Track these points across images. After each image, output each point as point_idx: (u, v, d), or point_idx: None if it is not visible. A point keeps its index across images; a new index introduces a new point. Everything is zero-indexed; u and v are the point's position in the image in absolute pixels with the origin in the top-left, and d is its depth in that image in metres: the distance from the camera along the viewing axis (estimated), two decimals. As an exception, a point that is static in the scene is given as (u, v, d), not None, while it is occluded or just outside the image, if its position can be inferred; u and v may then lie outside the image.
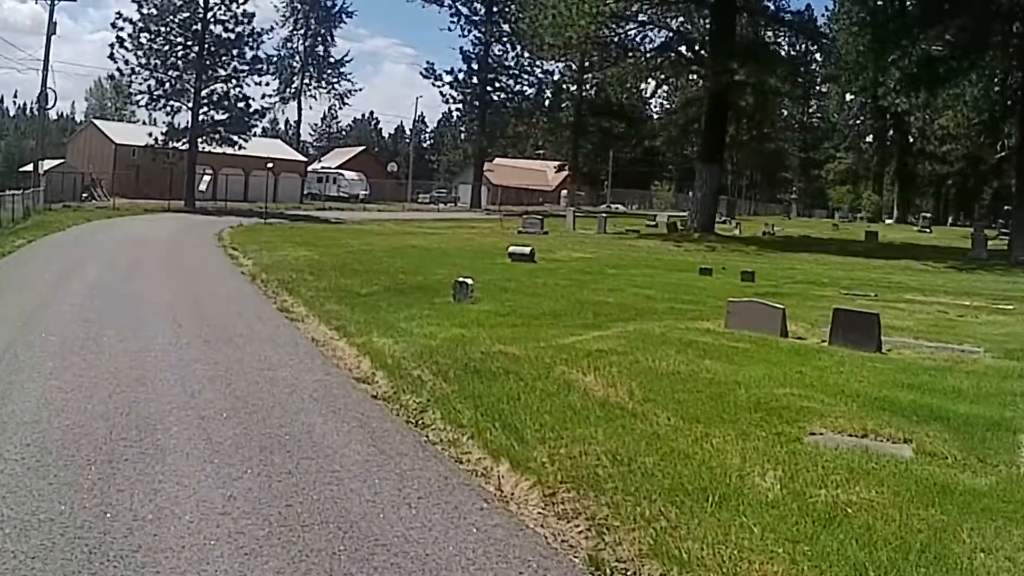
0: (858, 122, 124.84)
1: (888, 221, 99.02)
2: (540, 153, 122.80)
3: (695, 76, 60.35)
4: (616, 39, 57.49)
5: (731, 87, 52.82)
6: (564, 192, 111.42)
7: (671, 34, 57.27)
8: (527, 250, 30.12)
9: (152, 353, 12.55)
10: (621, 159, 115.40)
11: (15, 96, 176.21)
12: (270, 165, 55.64)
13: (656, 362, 11.83)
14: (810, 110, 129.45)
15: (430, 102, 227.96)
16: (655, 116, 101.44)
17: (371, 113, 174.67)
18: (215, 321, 15.80)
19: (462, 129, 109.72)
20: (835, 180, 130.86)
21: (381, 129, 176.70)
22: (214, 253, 30.79)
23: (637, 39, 57.80)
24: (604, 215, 57.20)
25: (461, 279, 19.13)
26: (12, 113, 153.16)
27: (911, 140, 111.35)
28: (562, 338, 13.98)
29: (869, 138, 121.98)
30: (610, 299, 20.41)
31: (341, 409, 10.01)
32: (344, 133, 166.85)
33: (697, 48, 57.05)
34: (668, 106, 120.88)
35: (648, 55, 56.82)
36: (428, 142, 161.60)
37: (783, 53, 59.84)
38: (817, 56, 66.24)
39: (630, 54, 58.19)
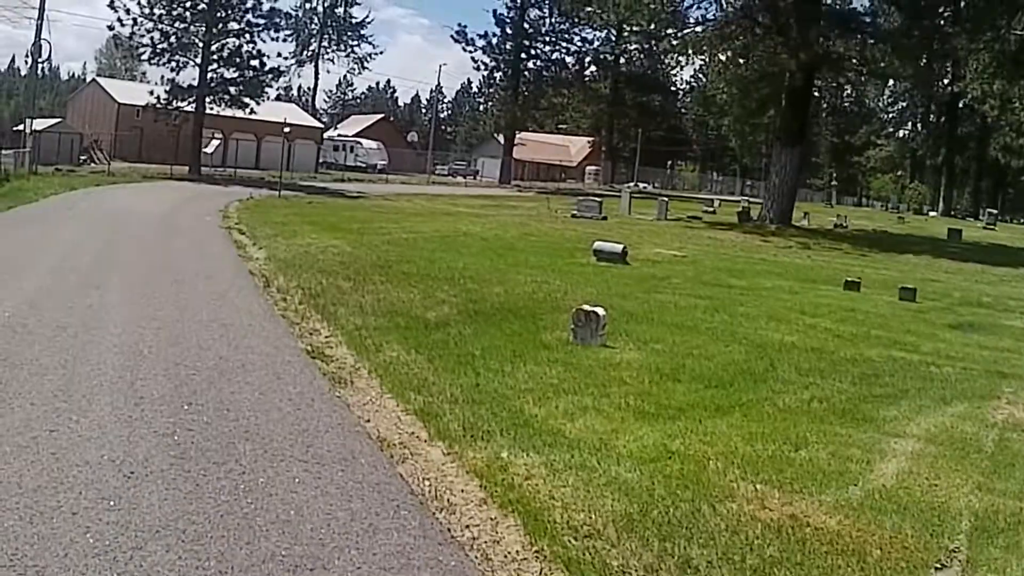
0: (901, 107, 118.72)
1: (932, 214, 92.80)
2: (562, 128, 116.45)
3: (774, 48, 53.12)
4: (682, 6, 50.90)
5: (822, 60, 45.77)
6: (589, 168, 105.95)
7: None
8: (618, 248, 23.58)
9: (72, 509, 5.91)
10: (647, 137, 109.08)
11: (27, 56, 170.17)
12: (287, 130, 48.51)
13: None
14: (844, 92, 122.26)
15: (447, 71, 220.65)
16: (710, 91, 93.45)
17: (388, 81, 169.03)
18: (199, 395, 8.94)
19: (488, 100, 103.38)
20: (876, 168, 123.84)
21: (397, 98, 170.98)
22: (215, 238, 23.77)
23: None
24: (664, 199, 50.35)
25: (588, 308, 12.52)
26: (23, 72, 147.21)
27: (982, 130, 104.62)
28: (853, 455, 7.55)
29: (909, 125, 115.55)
30: (792, 338, 13.95)
31: None
32: (359, 101, 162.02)
33: (780, 17, 49.69)
34: (703, 81, 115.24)
35: (723, 22, 49.41)
36: (444, 113, 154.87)
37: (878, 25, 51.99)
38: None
39: (699, 22, 51.00)
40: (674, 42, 51.78)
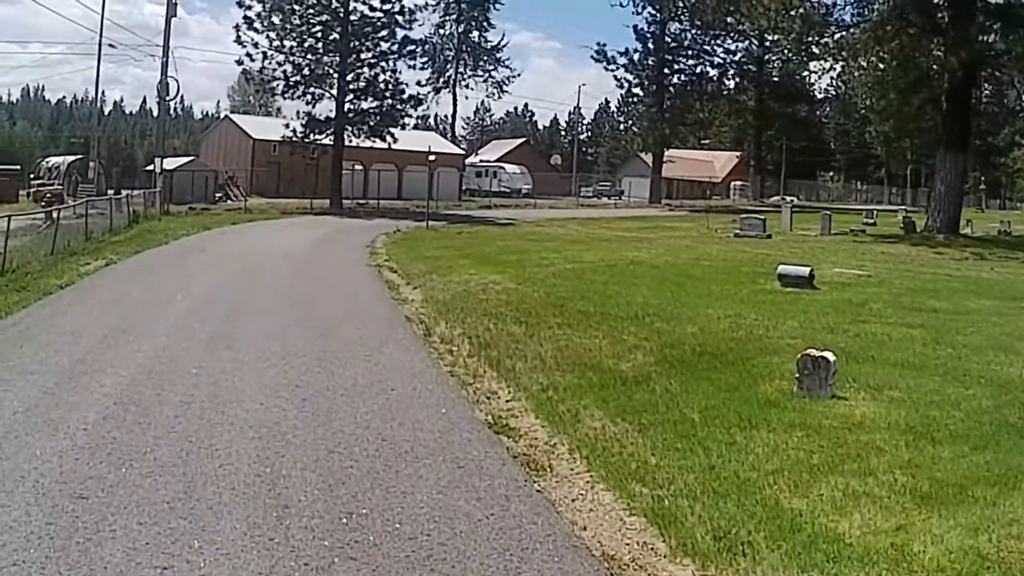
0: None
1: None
2: (704, 143, 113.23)
3: (929, 48, 49.20)
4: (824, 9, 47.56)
5: (983, 58, 42.18)
6: (735, 183, 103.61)
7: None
8: (804, 271, 20.94)
9: None
10: (790, 148, 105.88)
11: (157, 97, 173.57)
12: (432, 158, 46.60)
13: None
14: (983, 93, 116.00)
15: (584, 93, 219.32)
16: (857, 97, 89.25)
17: (525, 105, 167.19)
18: (360, 499, 6.89)
19: (631, 118, 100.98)
20: (1022, 169, 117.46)
21: (536, 122, 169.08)
22: (364, 279, 21.90)
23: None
24: (828, 213, 47.05)
25: (815, 353, 10.07)
26: (155, 113, 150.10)
27: None
28: None
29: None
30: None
31: None
32: (497, 127, 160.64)
33: (935, 14, 46.03)
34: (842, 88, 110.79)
35: (877, 23, 45.81)
36: (584, 134, 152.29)
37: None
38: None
39: (850, 25, 47.52)
40: (826, 45, 48.23)
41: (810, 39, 48.59)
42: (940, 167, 44.49)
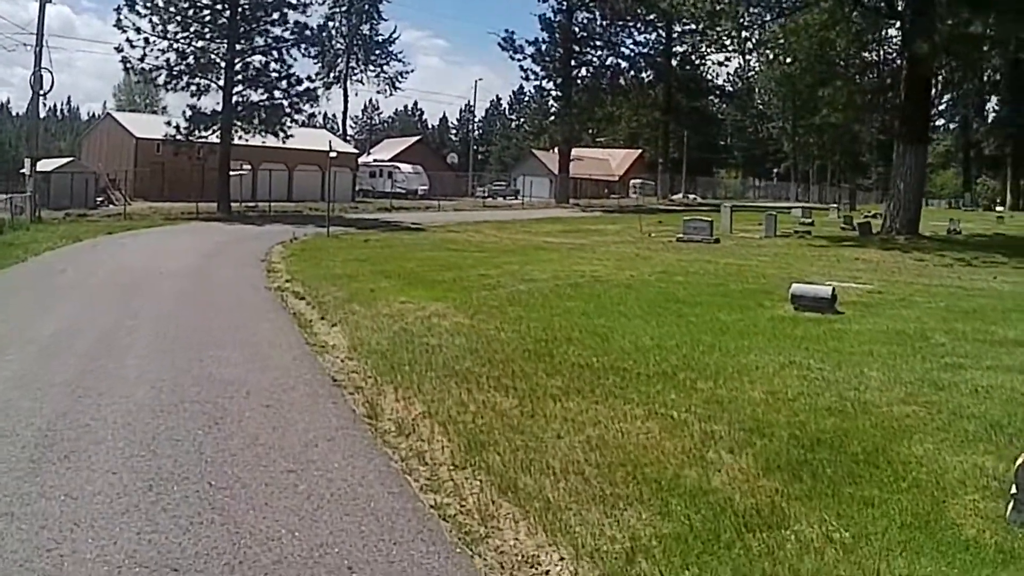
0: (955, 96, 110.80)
1: (1000, 209, 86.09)
2: (599, 141, 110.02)
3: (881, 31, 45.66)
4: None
5: (958, 43, 38.49)
6: (634, 181, 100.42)
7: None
8: (824, 291, 16.71)
9: None
10: (691, 144, 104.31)
11: (44, 97, 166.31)
12: (334, 155, 41.19)
13: None
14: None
15: (468, 92, 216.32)
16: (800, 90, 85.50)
17: (415, 103, 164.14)
18: None
19: (524, 116, 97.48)
20: (934, 163, 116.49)
21: (427, 120, 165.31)
22: (263, 311, 16.49)
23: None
24: (772, 214, 43.07)
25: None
26: (42, 115, 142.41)
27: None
28: None
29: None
30: None
31: None
32: (386, 125, 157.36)
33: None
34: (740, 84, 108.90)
35: (828, 7, 41.72)
36: (476, 132, 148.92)
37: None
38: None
39: (797, 9, 43.40)
40: (773, 32, 44.15)
41: (746, 24, 44.70)
42: (898, 162, 40.64)
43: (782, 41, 43.89)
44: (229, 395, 9.70)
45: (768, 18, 44.10)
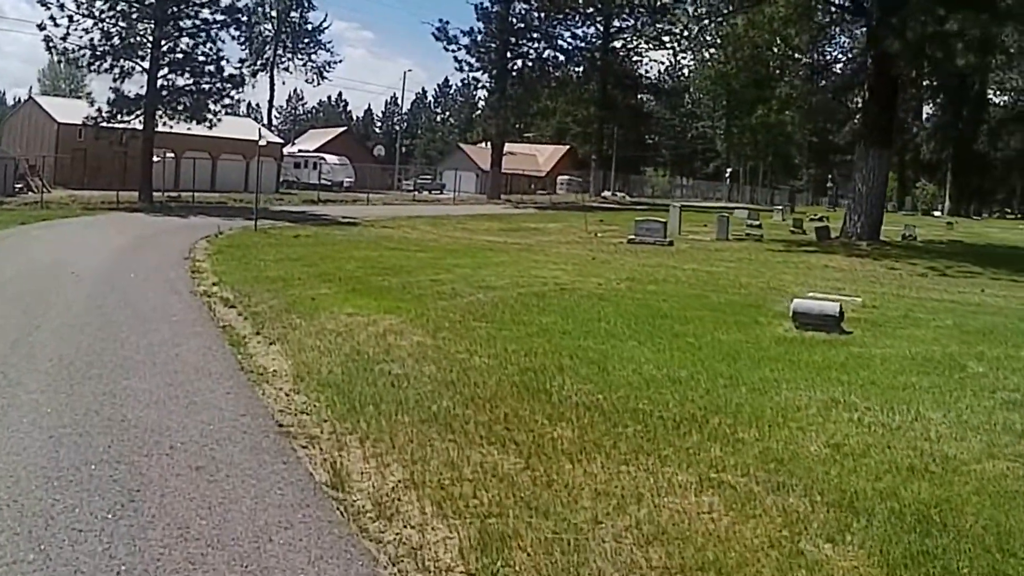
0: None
1: (936, 214, 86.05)
2: (527, 136, 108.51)
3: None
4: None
5: (934, 42, 36.79)
6: (561, 178, 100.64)
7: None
8: (831, 309, 14.71)
9: None
10: (620, 141, 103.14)
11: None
12: (264, 143, 39.01)
13: None
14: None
15: (398, 83, 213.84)
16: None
17: (339, 94, 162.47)
18: None
19: (449, 109, 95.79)
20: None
21: (351, 112, 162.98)
22: (188, 324, 13.77)
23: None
24: (725, 215, 41.61)
25: None
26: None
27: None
28: None
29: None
30: None
31: None
32: (310, 116, 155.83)
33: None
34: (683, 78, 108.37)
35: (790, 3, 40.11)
36: (402, 125, 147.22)
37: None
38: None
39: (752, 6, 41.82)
40: (720, 27, 42.74)
41: (701, 16, 43.25)
42: (861, 164, 39.38)
43: (731, 37, 42.66)
44: (147, 451, 7.38)
45: (727, 11, 42.55)
